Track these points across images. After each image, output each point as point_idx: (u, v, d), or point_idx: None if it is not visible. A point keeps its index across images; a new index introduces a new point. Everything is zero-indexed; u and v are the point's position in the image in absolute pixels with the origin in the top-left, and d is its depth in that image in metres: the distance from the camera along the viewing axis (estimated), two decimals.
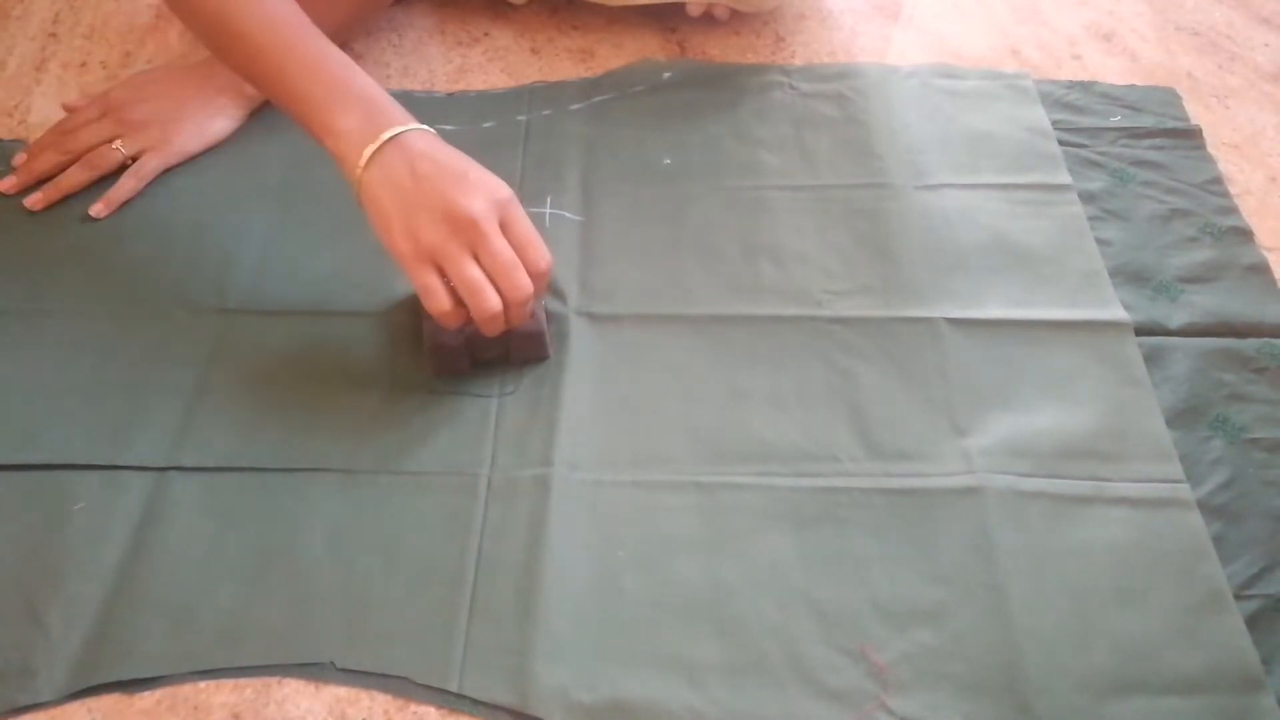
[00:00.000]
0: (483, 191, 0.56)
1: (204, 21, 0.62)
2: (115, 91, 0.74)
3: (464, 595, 0.53)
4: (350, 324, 0.65)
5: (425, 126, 0.58)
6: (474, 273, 0.55)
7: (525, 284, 0.56)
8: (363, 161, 0.56)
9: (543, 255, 0.57)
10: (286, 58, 0.59)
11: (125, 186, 0.71)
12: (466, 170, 0.57)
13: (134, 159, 0.72)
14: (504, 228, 0.56)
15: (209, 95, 0.74)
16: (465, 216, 0.55)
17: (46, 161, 0.72)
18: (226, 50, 0.62)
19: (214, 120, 0.75)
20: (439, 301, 0.56)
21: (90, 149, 0.72)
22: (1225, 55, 0.85)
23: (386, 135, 0.56)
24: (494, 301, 0.56)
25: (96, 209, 0.70)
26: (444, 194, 0.55)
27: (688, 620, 0.53)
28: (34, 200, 0.71)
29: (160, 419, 0.60)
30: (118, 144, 0.72)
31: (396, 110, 0.58)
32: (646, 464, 0.59)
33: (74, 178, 0.71)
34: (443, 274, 0.56)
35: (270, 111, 0.78)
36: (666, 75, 0.82)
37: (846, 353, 0.63)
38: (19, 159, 0.73)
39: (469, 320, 0.58)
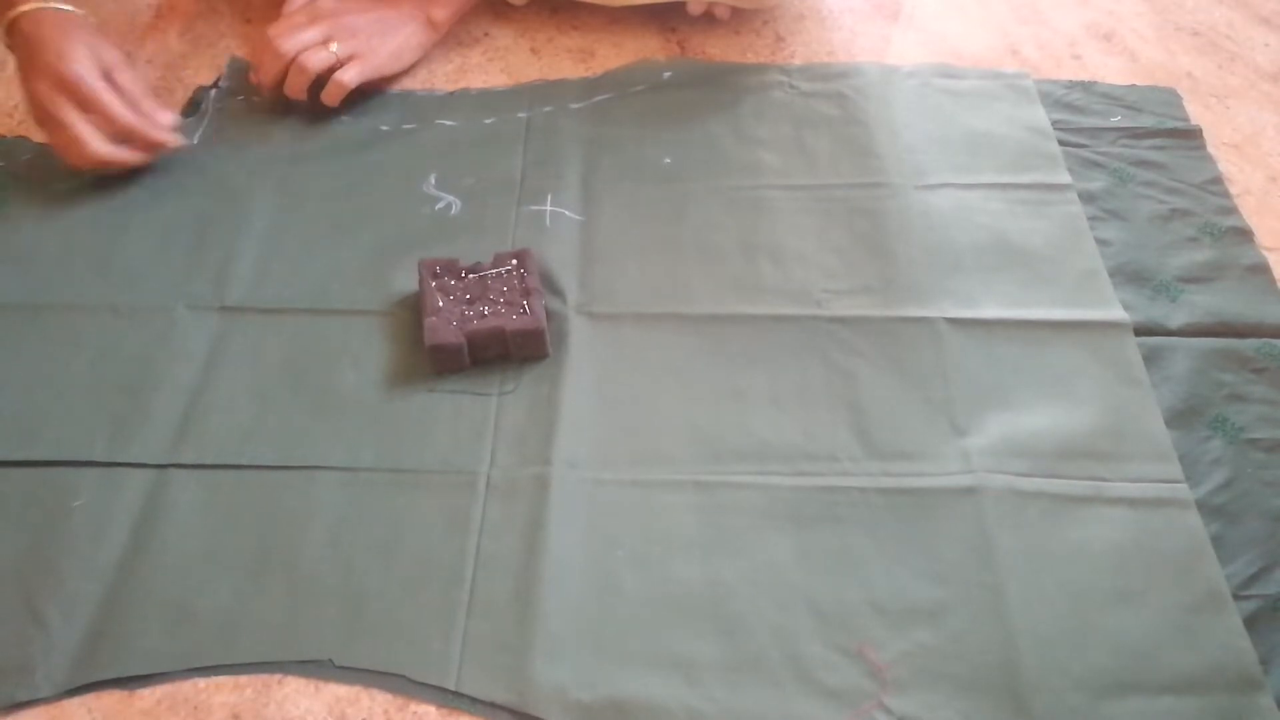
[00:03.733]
0: (78, 58, 0.68)
1: None
2: (321, 1, 0.77)
3: (462, 593, 0.53)
4: (350, 321, 0.65)
5: (37, 4, 0.68)
6: (76, 120, 0.68)
7: (122, 114, 0.69)
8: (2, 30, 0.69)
9: (123, 110, 0.69)
10: None
11: (332, 94, 0.75)
12: (73, 40, 0.68)
13: (343, 63, 0.75)
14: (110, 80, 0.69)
15: (404, 20, 0.78)
16: (67, 77, 0.67)
17: (271, 67, 0.75)
18: None
19: (408, 45, 0.79)
20: (66, 152, 0.69)
21: (305, 49, 0.74)
22: (1225, 55, 0.85)
23: (11, 16, 0.68)
24: (95, 140, 0.68)
25: (328, 94, 0.75)
26: (51, 62, 0.67)
27: (686, 619, 0.53)
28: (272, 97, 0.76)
29: (160, 416, 0.60)
30: (333, 46, 0.74)
31: None
32: (646, 463, 0.59)
33: (293, 82, 0.75)
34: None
35: (271, 110, 0.78)
36: (666, 75, 0.82)
37: (846, 352, 0.63)
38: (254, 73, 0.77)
39: (466, 322, 0.58)
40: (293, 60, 0.74)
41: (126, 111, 0.69)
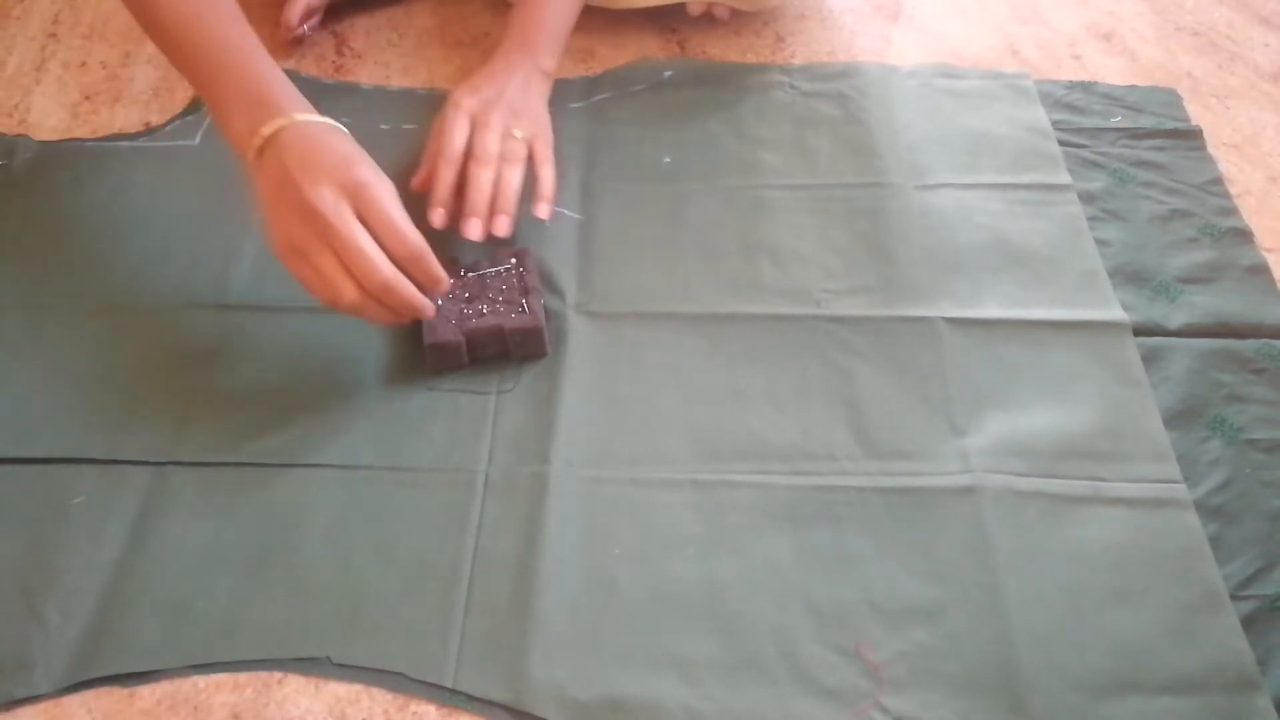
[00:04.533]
0: (329, 178, 0.54)
1: (133, 8, 0.62)
2: (461, 98, 0.69)
3: (460, 591, 0.53)
4: (350, 320, 0.65)
5: (308, 116, 0.58)
6: (325, 263, 0.54)
7: (376, 271, 0.54)
8: (251, 159, 0.57)
9: (402, 240, 0.55)
10: (192, 52, 0.60)
11: (548, 178, 0.68)
12: (322, 159, 0.56)
13: (531, 147, 0.68)
14: (362, 215, 0.55)
15: (530, 77, 0.72)
16: (309, 206, 0.54)
17: (450, 174, 0.66)
18: (154, 39, 0.63)
19: (544, 103, 0.73)
20: (316, 293, 0.56)
21: (495, 149, 0.66)
22: (1225, 55, 0.85)
23: (265, 133, 0.57)
24: (345, 292, 0.55)
25: (543, 210, 0.67)
26: (297, 185, 0.54)
27: (684, 618, 0.53)
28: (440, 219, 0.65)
29: (159, 414, 0.60)
30: (516, 132, 0.67)
31: (278, 103, 0.58)
32: (644, 462, 0.59)
33: (509, 182, 0.66)
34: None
35: None
36: (667, 74, 0.82)
37: (845, 352, 0.63)
38: (419, 181, 0.67)
39: (462, 319, 0.58)
40: (487, 160, 0.66)
41: (382, 267, 0.55)
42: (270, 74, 0.59)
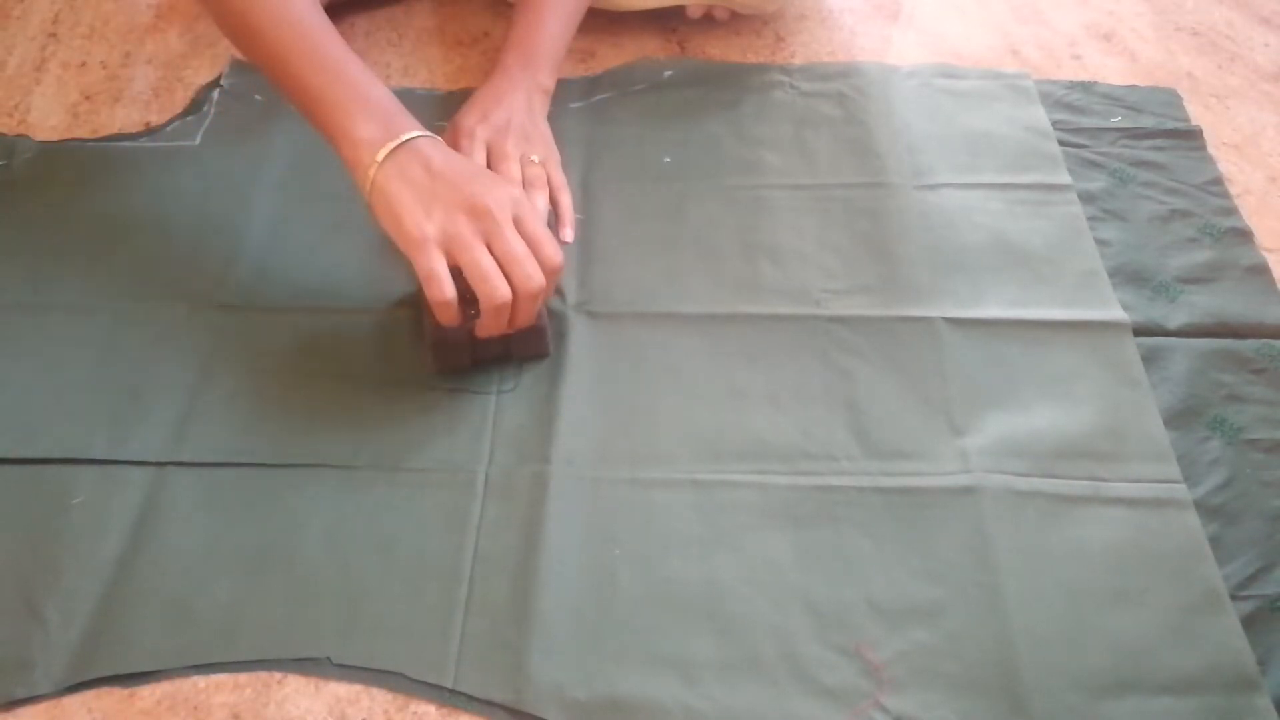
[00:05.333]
0: (500, 187, 0.58)
1: (229, 18, 0.62)
2: (473, 125, 0.69)
3: (460, 592, 0.53)
4: (351, 320, 0.65)
5: (438, 137, 0.60)
6: (487, 260, 0.56)
7: (537, 276, 0.57)
8: (379, 158, 0.57)
9: (556, 253, 0.58)
10: (306, 60, 0.60)
11: (566, 203, 0.69)
12: (483, 170, 0.60)
13: (547, 170, 0.70)
14: (518, 225, 0.57)
15: (532, 95, 0.72)
16: (482, 205, 0.56)
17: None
18: (249, 47, 0.63)
19: (548, 126, 0.73)
20: (442, 289, 0.56)
21: (519, 177, 0.68)
22: (1225, 55, 0.85)
23: (403, 138, 0.58)
24: (504, 290, 0.56)
25: (568, 235, 0.69)
26: (461, 187, 0.57)
27: (684, 618, 0.53)
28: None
29: (160, 414, 0.60)
30: (534, 157, 0.69)
31: (412, 120, 0.60)
32: (644, 462, 0.59)
33: (538, 209, 0.66)
34: (451, 265, 0.56)
35: (272, 110, 0.78)
36: (667, 74, 0.82)
37: (845, 352, 0.63)
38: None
39: (468, 318, 0.58)
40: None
41: (536, 275, 0.57)
42: (388, 91, 0.61)
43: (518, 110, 0.70)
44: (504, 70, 0.73)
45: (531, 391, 0.62)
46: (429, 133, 0.60)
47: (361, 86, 0.60)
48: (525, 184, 0.67)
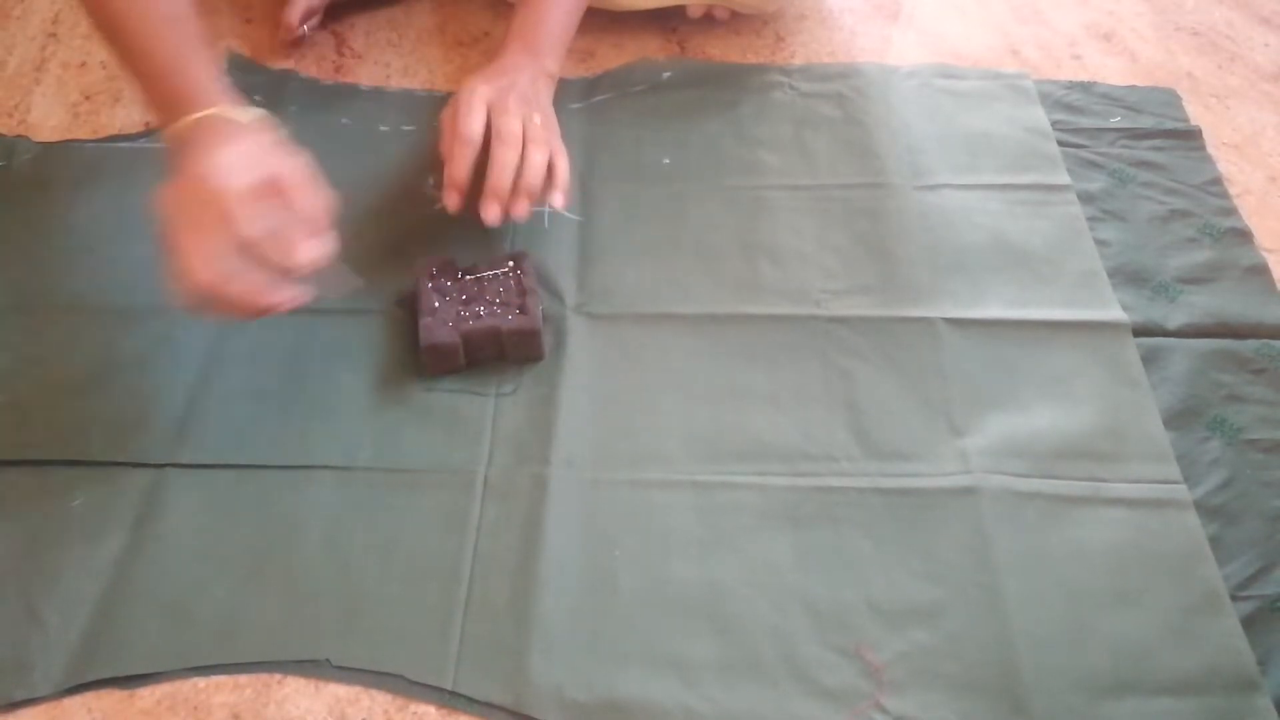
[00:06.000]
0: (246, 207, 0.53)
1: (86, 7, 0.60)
2: (475, 84, 0.66)
3: (460, 593, 0.53)
4: (348, 321, 0.65)
5: (205, 111, 0.56)
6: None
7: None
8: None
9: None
10: (128, 47, 0.58)
11: (563, 167, 0.65)
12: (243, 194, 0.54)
13: (545, 138, 0.66)
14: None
15: (538, 79, 0.69)
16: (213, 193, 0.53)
17: (469, 156, 0.63)
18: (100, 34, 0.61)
19: (552, 105, 0.70)
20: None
21: (518, 130, 0.64)
22: (1225, 55, 0.85)
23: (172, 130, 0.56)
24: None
25: (558, 199, 0.65)
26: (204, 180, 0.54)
27: (683, 619, 0.53)
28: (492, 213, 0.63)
29: (158, 416, 0.60)
30: (535, 118, 0.65)
31: (184, 100, 0.56)
32: (643, 463, 0.59)
33: (536, 162, 0.63)
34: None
35: (270, 109, 0.78)
36: (666, 75, 0.82)
37: (844, 352, 0.63)
38: (449, 174, 0.64)
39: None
40: (515, 143, 0.63)
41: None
42: (192, 61, 0.57)
43: (521, 81, 0.68)
44: (508, 53, 0.71)
45: (531, 393, 0.62)
46: (197, 114, 0.55)
47: (157, 69, 0.57)
48: (525, 140, 0.64)
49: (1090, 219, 0.71)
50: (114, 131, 0.78)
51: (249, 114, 0.57)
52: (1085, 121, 0.78)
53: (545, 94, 0.70)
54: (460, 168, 0.63)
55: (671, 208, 0.72)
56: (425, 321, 0.61)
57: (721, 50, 0.85)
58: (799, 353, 0.64)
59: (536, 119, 0.66)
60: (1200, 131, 0.77)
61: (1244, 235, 0.70)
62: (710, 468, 0.58)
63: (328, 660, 0.51)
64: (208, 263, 0.52)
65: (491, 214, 0.63)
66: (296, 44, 0.85)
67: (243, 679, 0.51)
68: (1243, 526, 0.56)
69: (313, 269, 0.55)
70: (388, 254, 0.68)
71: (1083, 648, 0.51)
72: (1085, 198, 0.72)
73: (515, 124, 0.64)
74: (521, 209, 0.63)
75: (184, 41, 0.58)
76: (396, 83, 0.82)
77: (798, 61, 0.84)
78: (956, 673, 0.51)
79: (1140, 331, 0.64)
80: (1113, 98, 0.80)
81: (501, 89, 0.66)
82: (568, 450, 0.59)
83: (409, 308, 0.65)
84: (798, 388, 0.62)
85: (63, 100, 0.79)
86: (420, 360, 0.62)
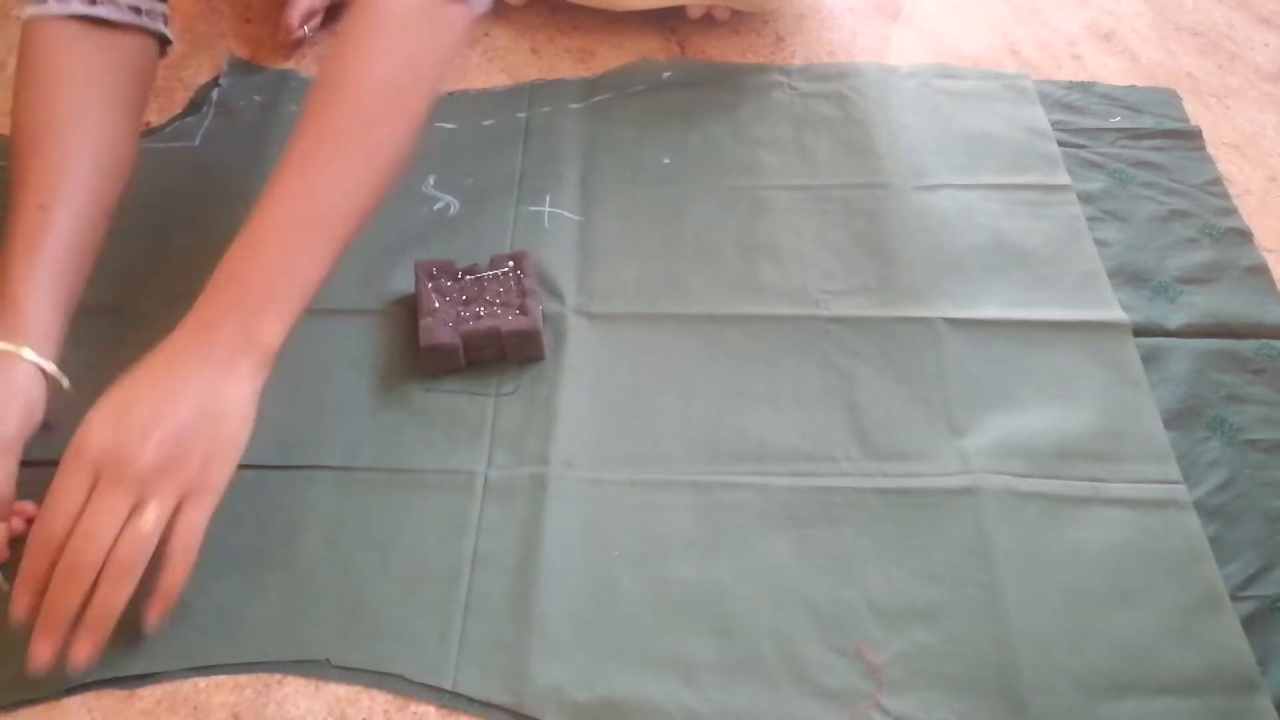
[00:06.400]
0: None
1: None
2: (93, 429, 0.48)
3: (459, 593, 0.53)
4: (348, 321, 0.65)
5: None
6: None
7: None
8: None
9: None
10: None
11: (177, 572, 0.48)
12: None
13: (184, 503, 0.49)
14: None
15: (227, 381, 0.50)
16: None
17: (41, 564, 0.47)
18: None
19: (244, 420, 0.51)
20: None
21: (110, 544, 0.47)
22: (1225, 55, 0.85)
23: None
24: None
25: (151, 621, 0.49)
26: None
27: (683, 619, 0.53)
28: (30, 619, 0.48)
29: None
30: (149, 513, 0.47)
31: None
32: (643, 463, 0.59)
33: (109, 601, 0.47)
34: None
35: (271, 110, 0.78)
36: (666, 75, 0.82)
37: (844, 352, 0.63)
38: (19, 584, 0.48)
39: None
40: (92, 558, 0.47)
41: None
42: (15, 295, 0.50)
43: (186, 395, 0.49)
44: (205, 305, 0.51)
45: (530, 393, 0.62)
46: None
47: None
48: (110, 561, 0.47)
49: (1090, 219, 0.71)
50: None
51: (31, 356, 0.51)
52: (1085, 121, 0.78)
53: (237, 400, 0.50)
54: (30, 574, 0.47)
55: (671, 208, 0.72)
56: (425, 322, 0.61)
57: (721, 50, 0.85)
58: (798, 353, 0.64)
59: (154, 507, 0.47)
60: (1200, 131, 0.77)
61: (1244, 235, 0.70)
62: (710, 468, 0.58)
63: (328, 660, 0.51)
64: None
65: (39, 655, 0.47)
66: (297, 45, 0.85)
67: (243, 679, 0.51)
68: (1243, 526, 0.56)
69: None
70: (386, 253, 0.69)
71: (1082, 648, 0.51)
72: (1085, 198, 0.72)
73: (108, 524, 0.47)
74: (81, 653, 0.47)
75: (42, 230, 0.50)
76: None
77: (798, 61, 0.84)
78: (956, 673, 0.51)
79: (1140, 332, 0.64)
80: (1113, 98, 0.80)
81: (129, 436, 0.47)
82: (568, 450, 0.59)
83: (409, 308, 0.65)
84: (797, 388, 0.62)
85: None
86: (420, 361, 0.62)
